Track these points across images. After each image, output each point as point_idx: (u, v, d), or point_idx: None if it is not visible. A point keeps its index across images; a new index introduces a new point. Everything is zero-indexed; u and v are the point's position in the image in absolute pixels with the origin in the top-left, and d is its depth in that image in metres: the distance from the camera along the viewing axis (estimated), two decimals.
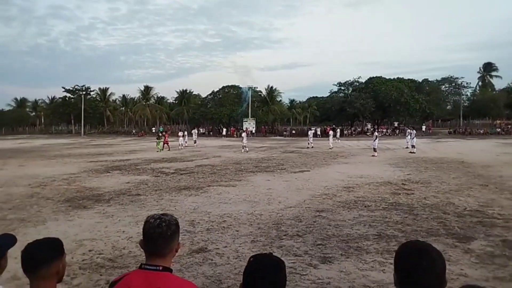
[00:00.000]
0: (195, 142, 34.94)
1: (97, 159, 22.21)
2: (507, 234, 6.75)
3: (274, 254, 1.61)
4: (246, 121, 59.76)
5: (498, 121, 61.28)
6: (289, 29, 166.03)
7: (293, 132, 57.80)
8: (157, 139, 29.84)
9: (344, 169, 16.70)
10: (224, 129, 60.52)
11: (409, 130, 28.82)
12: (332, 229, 7.30)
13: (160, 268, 1.65)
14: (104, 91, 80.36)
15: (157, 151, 27.80)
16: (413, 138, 25.65)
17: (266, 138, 51.54)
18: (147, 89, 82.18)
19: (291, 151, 27.77)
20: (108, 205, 9.76)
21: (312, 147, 30.86)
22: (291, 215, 8.40)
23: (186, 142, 34.36)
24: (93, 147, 35.59)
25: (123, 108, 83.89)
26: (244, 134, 29.34)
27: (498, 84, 78.32)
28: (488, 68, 79.06)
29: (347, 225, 7.55)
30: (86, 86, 76.63)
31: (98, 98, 79.43)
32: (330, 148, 28.77)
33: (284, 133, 59.74)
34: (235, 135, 57.31)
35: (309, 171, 16.29)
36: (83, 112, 68.02)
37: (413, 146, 25.00)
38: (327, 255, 5.86)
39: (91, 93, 78.34)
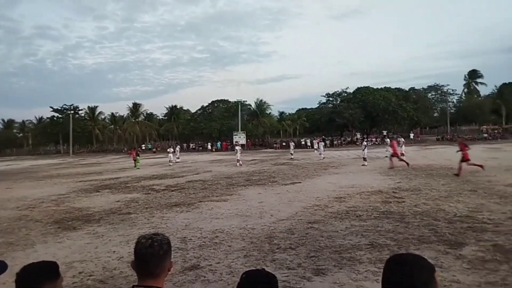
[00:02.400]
0: (178, 158, 34.61)
1: (86, 179, 21.98)
2: (497, 239, 6.80)
3: (267, 268, 1.62)
4: (237, 135, 59.88)
5: (484, 127, 62.26)
6: (276, 42, 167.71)
7: (283, 144, 57.97)
8: (137, 155, 29.96)
9: (335, 179, 16.75)
10: (209, 144, 60.66)
11: (399, 139, 29.13)
12: (324, 240, 7.28)
13: None
14: (92, 109, 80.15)
15: (138, 168, 28.03)
16: (401, 146, 25.94)
17: (256, 151, 51.59)
18: (136, 106, 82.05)
19: (282, 163, 27.80)
20: (98, 225, 9.64)
21: (292, 158, 31.47)
22: (283, 228, 8.37)
23: (178, 158, 34.29)
24: (82, 166, 35.25)
25: (112, 126, 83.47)
26: (238, 148, 29.50)
27: (483, 90, 79.82)
28: (473, 75, 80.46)
29: (339, 235, 7.55)
30: (74, 105, 76.42)
31: (86, 117, 79.10)
32: (322, 159, 28.97)
33: (275, 145, 59.93)
34: (228, 149, 57.46)
35: (300, 182, 16.30)
36: (72, 132, 67.56)
37: (402, 154, 25.23)
38: (321, 267, 5.84)
39: (80, 112, 78.08)
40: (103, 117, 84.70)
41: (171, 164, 30.68)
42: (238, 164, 26.92)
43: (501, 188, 12.14)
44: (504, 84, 75.31)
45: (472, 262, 5.74)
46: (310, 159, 30.91)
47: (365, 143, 25.76)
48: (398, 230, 7.75)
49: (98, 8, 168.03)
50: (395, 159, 20.16)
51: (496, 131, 57.93)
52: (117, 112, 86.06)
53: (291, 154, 33.52)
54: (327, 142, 56.25)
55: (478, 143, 44.76)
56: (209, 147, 59.90)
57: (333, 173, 19.59)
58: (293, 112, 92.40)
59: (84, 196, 14.91)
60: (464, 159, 16.12)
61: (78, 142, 74.53)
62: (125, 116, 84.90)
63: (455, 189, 12.42)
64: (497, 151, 30.15)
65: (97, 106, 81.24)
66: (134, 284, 1.67)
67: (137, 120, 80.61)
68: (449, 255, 6.10)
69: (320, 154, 30.53)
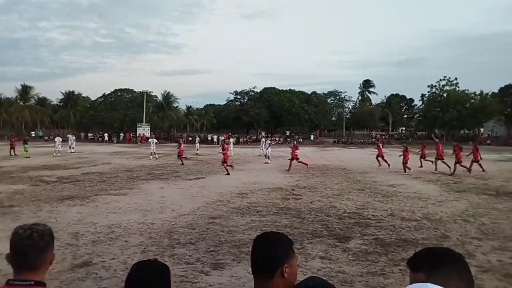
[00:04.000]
0: (70, 147, 31.82)
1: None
2: (378, 233, 7.57)
3: (164, 262, 1.59)
4: (141, 127, 57.59)
5: (374, 132, 68.90)
6: (187, 35, 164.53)
7: (190, 139, 57.28)
8: (24, 144, 27.33)
9: (238, 176, 17.06)
10: (106, 135, 57.45)
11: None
12: (225, 235, 7.38)
13: (32, 282, 1.49)
14: None
15: (26, 157, 25.59)
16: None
17: (161, 145, 50.13)
18: (25, 89, 73.63)
19: (187, 158, 27.41)
20: None
21: (198, 153, 31.36)
22: (184, 223, 8.29)
23: (73, 148, 31.71)
24: None
25: None
26: (151, 140, 28.25)
27: (375, 99, 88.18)
28: (367, 84, 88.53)
29: (239, 230, 7.71)
30: None
31: None
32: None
33: (180, 140, 58.91)
34: (131, 141, 54.93)
35: (204, 178, 16.29)
36: None
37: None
38: (219, 261, 5.91)
39: None
40: None
41: (58, 155, 27.41)
42: (152, 157, 25.89)
43: (384, 188, 13.54)
44: (392, 95, 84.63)
45: (356, 254, 6.30)
46: (216, 155, 31.01)
47: (269, 141, 26.62)
48: (294, 225, 8.18)
49: None
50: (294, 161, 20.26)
51: (383, 136, 64.49)
52: (3, 94, 76.49)
53: (197, 149, 33.37)
54: (233, 139, 57.12)
55: (368, 147, 49.40)
56: (106, 138, 56.23)
57: (237, 169, 19.92)
58: (201, 107, 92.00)
59: None
60: (458, 161, 17.87)
61: None
62: (12, 99, 75.95)
63: (346, 188, 13.52)
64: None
65: None
66: (10, 278, 1.51)
67: (26, 104, 72.66)
68: (337, 248, 6.62)
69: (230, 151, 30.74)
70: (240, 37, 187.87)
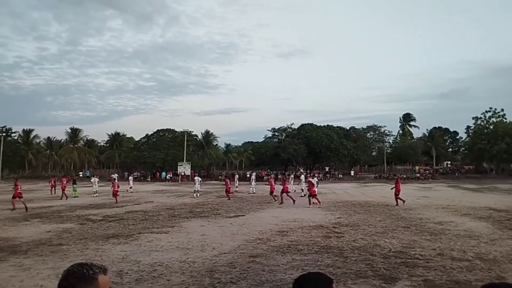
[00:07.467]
0: (130, 187, 33.55)
1: (15, 206, 20.30)
2: (427, 274, 7.17)
3: None
4: (181, 165, 58.93)
5: (417, 167, 66.53)
6: (224, 75, 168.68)
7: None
8: (73, 184, 28.73)
9: (278, 213, 16.91)
10: (168, 173, 59.20)
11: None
12: (266, 274, 7.27)
13: None
14: (27, 133, 75.32)
15: (74, 196, 26.88)
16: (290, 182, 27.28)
17: (201, 183, 50.86)
18: (75, 131, 78.23)
19: (226, 196, 27.57)
20: (25, 256, 8.90)
21: (237, 191, 31.48)
22: (225, 262, 8.25)
23: (131, 187, 33.26)
24: (11, 192, 32.57)
25: (48, 151, 78.71)
26: (196, 178, 28.72)
27: (416, 133, 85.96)
28: (407, 118, 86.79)
29: (280, 270, 7.57)
30: (7, 127, 71.50)
31: (19, 140, 74.17)
32: (253, 193, 29.24)
33: (220, 177, 59.59)
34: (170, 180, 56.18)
35: (244, 215, 16.26)
36: (2, 155, 62.75)
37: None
38: None
39: (13, 134, 73.09)
40: (38, 141, 79.89)
41: (95, 195, 27.82)
42: (195, 195, 26.24)
43: (431, 226, 12.92)
44: (434, 127, 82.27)
45: None
46: (255, 192, 31.02)
47: (316, 179, 24.32)
48: (337, 264, 7.93)
49: (40, 29, 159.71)
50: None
51: (427, 171, 62.11)
52: (54, 137, 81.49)
53: (236, 186, 33.58)
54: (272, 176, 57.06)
55: (412, 182, 47.65)
56: (166, 176, 58.43)
57: (277, 207, 19.78)
58: (240, 144, 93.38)
59: (11, 225, 13.76)
60: (397, 191, 20.06)
61: (8, 166, 69.23)
62: (62, 141, 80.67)
63: (390, 226, 13.02)
64: (428, 190, 32.21)
65: (32, 129, 76.53)
66: None
67: (75, 146, 76.79)
68: None
69: (251, 187, 30.87)
70: (276, 76, 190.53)
